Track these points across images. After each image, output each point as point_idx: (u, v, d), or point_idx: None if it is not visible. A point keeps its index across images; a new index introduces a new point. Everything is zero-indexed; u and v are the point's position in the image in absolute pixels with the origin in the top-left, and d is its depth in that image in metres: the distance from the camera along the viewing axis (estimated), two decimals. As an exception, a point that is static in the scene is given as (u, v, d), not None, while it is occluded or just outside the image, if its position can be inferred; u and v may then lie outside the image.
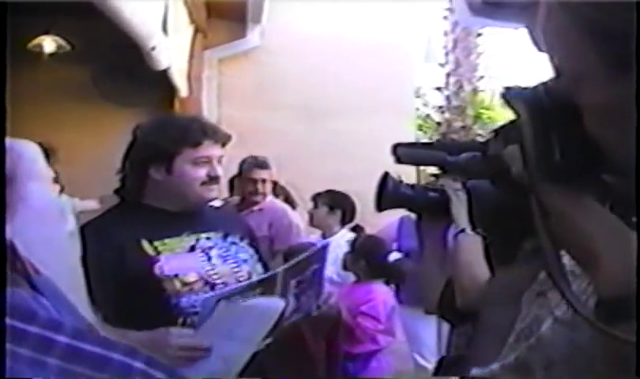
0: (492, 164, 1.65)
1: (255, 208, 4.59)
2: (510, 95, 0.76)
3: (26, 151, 0.54)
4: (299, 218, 4.87)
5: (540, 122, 0.72)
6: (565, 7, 0.68)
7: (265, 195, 4.65)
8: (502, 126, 1.54)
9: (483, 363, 1.54)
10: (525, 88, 0.76)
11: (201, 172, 2.18)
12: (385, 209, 1.81)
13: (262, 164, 4.63)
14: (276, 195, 5.33)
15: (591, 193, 0.74)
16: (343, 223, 4.72)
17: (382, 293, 3.92)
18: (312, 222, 4.84)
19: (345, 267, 4.04)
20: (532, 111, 0.73)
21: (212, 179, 2.20)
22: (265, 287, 1.92)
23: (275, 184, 5.36)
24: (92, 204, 4.29)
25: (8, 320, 0.42)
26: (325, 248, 2.27)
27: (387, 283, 3.97)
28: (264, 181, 4.62)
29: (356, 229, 4.78)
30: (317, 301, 2.17)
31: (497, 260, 1.71)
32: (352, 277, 4.10)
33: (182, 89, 6.68)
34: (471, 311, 1.75)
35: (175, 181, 2.17)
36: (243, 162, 4.63)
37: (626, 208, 0.71)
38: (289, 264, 2.07)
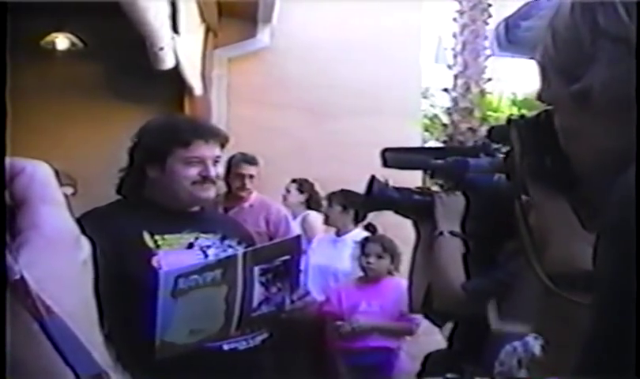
0: (474, 169, 1.73)
1: (245, 204, 4.68)
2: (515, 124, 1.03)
3: (38, 173, 0.48)
4: (286, 210, 5.02)
5: (538, 141, 0.97)
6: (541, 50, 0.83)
7: (250, 191, 4.74)
8: (493, 128, 1.63)
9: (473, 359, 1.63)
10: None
11: (193, 171, 2.23)
12: (371, 211, 1.87)
13: (251, 160, 4.73)
14: (301, 191, 5.48)
15: (564, 193, 0.98)
16: (356, 221, 4.82)
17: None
18: (327, 220, 4.95)
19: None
20: (532, 136, 1.00)
21: (205, 179, 2.24)
22: (225, 267, 1.91)
23: (302, 181, 5.51)
24: None
25: None
26: (297, 240, 2.26)
27: None
28: (251, 176, 4.72)
29: (369, 228, 4.87)
30: (291, 295, 2.12)
31: (478, 262, 1.77)
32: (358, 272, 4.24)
33: (196, 88, 6.75)
34: (447, 313, 1.81)
35: (168, 180, 2.24)
36: (232, 157, 4.69)
37: (587, 210, 0.95)
38: (249, 250, 2.06)
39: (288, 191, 5.48)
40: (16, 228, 0.46)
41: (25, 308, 0.43)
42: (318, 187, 5.63)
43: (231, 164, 4.68)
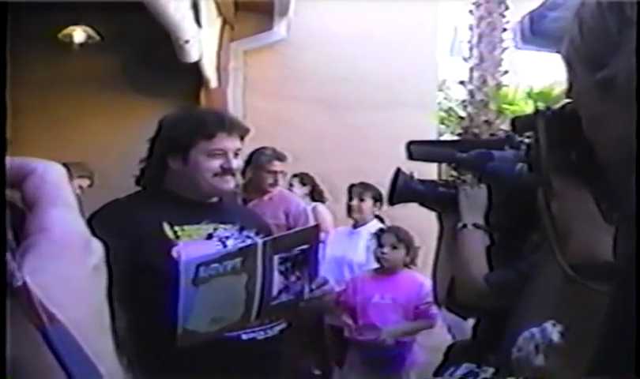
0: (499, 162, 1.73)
1: (265, 197, 4.67)
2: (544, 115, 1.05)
3: (50, 174, 0.46)
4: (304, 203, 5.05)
5: (565, 133, 0.99)
6: (568, 42, 0.82)
7: (278, 186, 4.77)
8: (517, 119, 1.62)
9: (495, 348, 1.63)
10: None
11: (215, 164, 2.25)
12: (396, 204, 1.88)
13: (282, 157, 4.74)
14: (303, 184, 5.55)
15: (587, 185, 1.01)
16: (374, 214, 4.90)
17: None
18: (350, 213, 4.97)
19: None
20: (559, 127, 1.01)
21: (226, 171, 2.27)
22: (245, 256, 1.92)
23: (303, 175, 5.60)
24: None
25: None
26: (316, 230, 2.28)
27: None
28: (282, 172, 4.75)
29: (377, 218, 4.91)
30: (310, 284, 2.13)
31: (502, 254, 1.76)
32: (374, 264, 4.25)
33: (212, 80, 6.77)
34: (471, 306, 1.81)
35: (190, 172, 2.26)
36: (261, 153, 4.68)
37: (608, 202, 0.97)
38: (269, 238, 2.08)
39: (291, 185, 5.56)
40: (25, 231, 0.44)
41: (27, 316, 0.41)
42: (318, 180, 5.73)
43: (259, 159, 4.67)
